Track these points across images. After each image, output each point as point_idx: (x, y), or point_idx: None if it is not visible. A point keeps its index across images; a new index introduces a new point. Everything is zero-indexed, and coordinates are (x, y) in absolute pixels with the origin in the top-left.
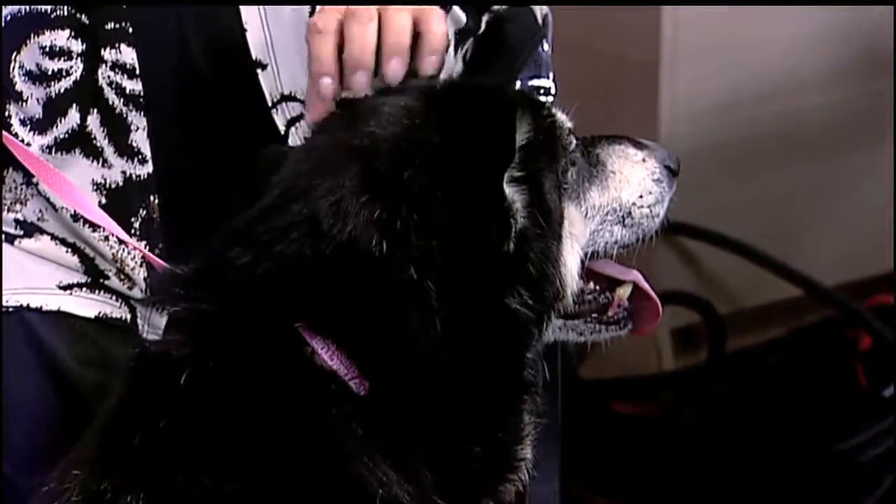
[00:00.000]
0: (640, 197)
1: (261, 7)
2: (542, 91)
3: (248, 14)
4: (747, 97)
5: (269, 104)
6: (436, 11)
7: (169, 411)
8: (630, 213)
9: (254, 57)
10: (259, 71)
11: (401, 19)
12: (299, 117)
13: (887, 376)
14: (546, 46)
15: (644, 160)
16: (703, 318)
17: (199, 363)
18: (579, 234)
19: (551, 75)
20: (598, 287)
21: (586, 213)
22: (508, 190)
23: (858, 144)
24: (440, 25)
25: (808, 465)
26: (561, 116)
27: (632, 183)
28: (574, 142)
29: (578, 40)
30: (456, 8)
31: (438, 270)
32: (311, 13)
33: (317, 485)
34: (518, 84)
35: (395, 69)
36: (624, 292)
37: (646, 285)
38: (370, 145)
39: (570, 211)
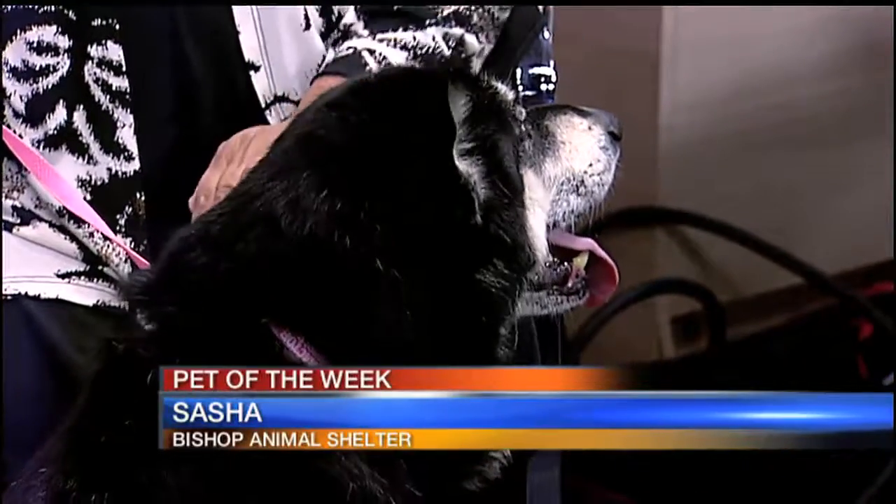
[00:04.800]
0: (590, 165)
1: (254, 9)
2: (542, 79)
3: (241, 16)
4: (748, 88)
5: (263, 105)
6: None
7: (134, 410)
8: (583, 181)
9: (247, 59)
10: (252, 73)
11: None
12: None
13: (887, 365)
14: (547, 35)
15: (590, 128)
16: (703, 307)
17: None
18: (541, 200)
19: (552, 64)
20: (555, 258)
21: (544, 184)
22: (463, 164)
23: (859, 134)
24: None
25: (806, 454)
26: (502, 87)
27: (581, 152)
28: (524, 112)
29: (579, 32)
30: (468, 37)
31: (405, 258)
32: (306, 16)
33: (286, 481)
34: (519, 72)
35: None
36: (581, 261)
37: (602, 252)
38: (322, 144)
39: (529, 178)
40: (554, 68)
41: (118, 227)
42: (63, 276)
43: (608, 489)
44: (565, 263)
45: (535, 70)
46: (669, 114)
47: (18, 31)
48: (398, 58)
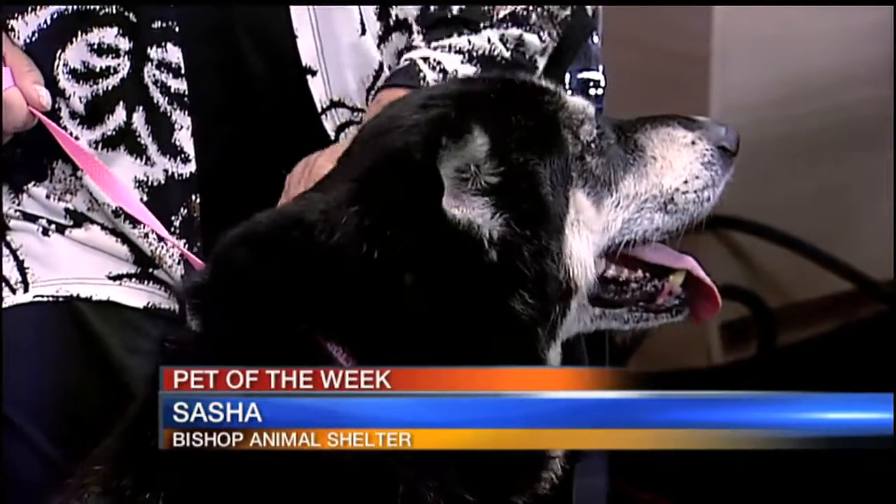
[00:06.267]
0: (685, 182)
1: (312, 15)
2: (591, 83)
3: (300, 21)
4: (798, 91)
5: (319, 110)
6: None
7: None
8: (672, 199)
9: (304, 63)
10: (309, 77)
11: None
12: (348, 123)
13: None
14: (595, 39)
15: (693, 142)
16: (752, 313)
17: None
18: (591, 221)
19: (601, 68)
20: (646, 274)
21: (618, 203)
22: (460, 211)
23: None
24: None
25: (858, 459)
26: (574, 103)
27: (676, 168)
28: (594, 130)
29: (630, 35)
30: (527, 36)
31: (432, 277)
32: (362, 22)
33: (337, 482)
34: (567, 77)
35: None
36: (676, 279)
37: (701, 273)
38: (360, 162)
39: (579, 200)
40: (603, 73)
41: (173, 229)
42: (114, 279)
43: (655, 495)
44: (656, 280)
45: (584, 75)
46: (720, 116)
47: (79, 33)
48: (453, 62)
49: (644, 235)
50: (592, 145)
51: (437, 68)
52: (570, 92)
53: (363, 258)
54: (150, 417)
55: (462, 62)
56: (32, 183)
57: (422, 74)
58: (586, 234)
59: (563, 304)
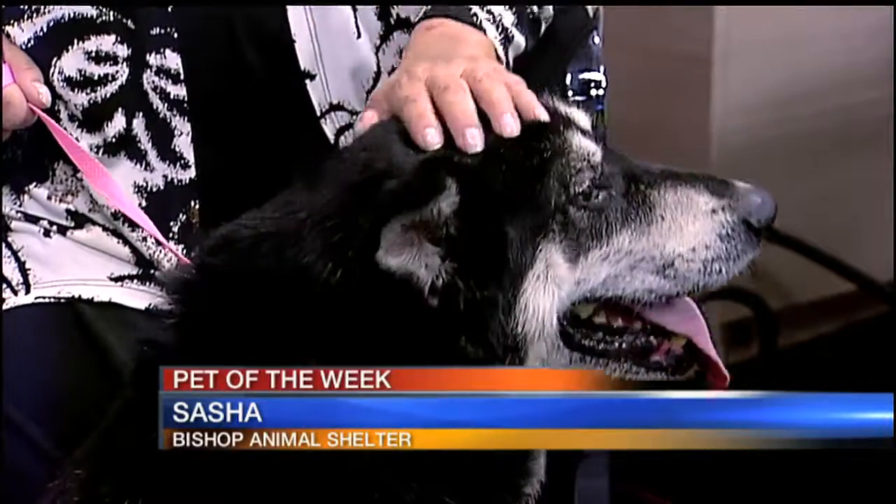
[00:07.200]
0: (693, 250)
1: (309, 19)
2: (592, 84)
3: (297, 25)
4: (800, 92)
5: (318, 114)
6: (519, 81)
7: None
8: (673, 263)
9: (302, 67)
10: (308, 81)
11: (498, 90)
12: (348, 126)
13: None
14: (596, 39)
15: (714, 212)
16: (754, 314)
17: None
18: (562, 276)
19: (601, 69)
20: (647, 327)
21: (606, 256)
22: (397, 260)
23: None
24: (529, 93)
25: (858, 459)
26: (578, 149)
27: (685, 233)
28: (587, 181)
29: (631, 36)
30: (517, 36)
31: (383, 306)
32: (356, 25)
33: (315, 483)
34: (569, 77)
35: (509, 124)
36: (678, 341)
37: (703, 344)
38: (347, 171)
39: (550, 253)
40: (604, 74)
41: (171, 234)
42: (116, 280)
43: (658, 496)
44: (651, 337)
45: (585, 75)
46: (721, 119)
47: (76, 41)
48: (501, 10)
49: (634, 294)
50: (581, 197)
51: (491, 16)
52: (571, 94)
53: (326, 278)
54: (132, 420)
55: (506, 8)
56: (34, 184)
57: (476, 18)
58: (552, 290)
59: (515, 354)
